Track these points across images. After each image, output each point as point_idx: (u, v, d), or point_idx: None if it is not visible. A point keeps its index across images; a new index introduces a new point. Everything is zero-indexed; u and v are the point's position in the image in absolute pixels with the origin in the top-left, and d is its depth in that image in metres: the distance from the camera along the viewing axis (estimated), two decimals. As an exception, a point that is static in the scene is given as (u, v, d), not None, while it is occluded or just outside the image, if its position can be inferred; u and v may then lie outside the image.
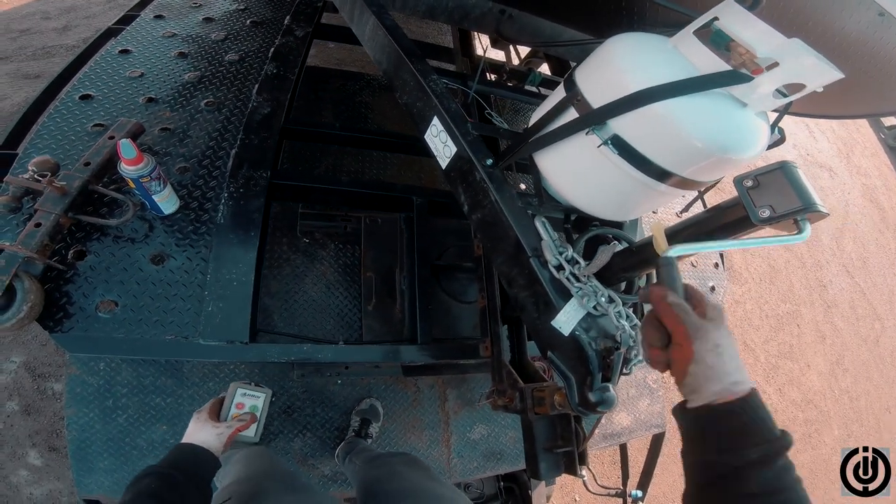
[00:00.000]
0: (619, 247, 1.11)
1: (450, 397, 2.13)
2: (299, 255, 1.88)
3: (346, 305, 1.89)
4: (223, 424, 1.11)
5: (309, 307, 1.85)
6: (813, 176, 5.76)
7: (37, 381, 2.36)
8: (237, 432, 1.13)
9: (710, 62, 0.91)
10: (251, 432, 1.17)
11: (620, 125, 0.96)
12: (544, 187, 1.24)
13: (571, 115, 1.06)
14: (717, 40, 0.91)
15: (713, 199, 1.67)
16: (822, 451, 4.22)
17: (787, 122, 1.06)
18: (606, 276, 1.06)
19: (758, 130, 0.94)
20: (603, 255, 1.03)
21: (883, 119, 7.63)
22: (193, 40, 1.89)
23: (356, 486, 1.48)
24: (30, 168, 1.30)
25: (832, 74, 0.80)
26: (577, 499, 3.11)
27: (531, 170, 1.23)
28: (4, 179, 1.32)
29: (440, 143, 1.29)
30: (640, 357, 1.01)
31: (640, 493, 2.29)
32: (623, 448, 2.51)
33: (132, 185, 1.30)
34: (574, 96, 1.04)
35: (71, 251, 1.32)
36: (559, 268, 1.05)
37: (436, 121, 1.29)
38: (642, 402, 2.49)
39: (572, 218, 1.30)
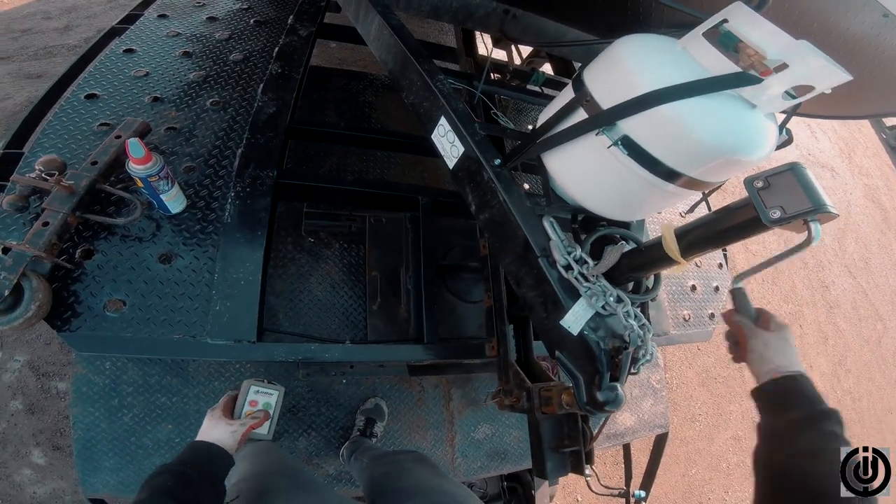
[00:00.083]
0: (627, 247, 1.11)
1: (454, 397, 2.13)
2: (304, 254, 1.88)
3: (351, 305, 1.89)
4: (237, 422, 1.11)
5: (314, 306, 1.85)
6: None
7: (41, 380, 2.36)
8: (251, 430, 1.13)
9: (720, 63, 0.91)
10: (264, 430, 1.17)
11: (630, 126, 0.96)
12: (552, 187, 1.24)
13: (580, 115, 1.06)
14: (725, 42, 0.92)
15: (716, 200, 1.68)
16: (824, 451, 4.22)
17: (789, 122, 1.07)
18: (615, 276, 1.06)
19: (766, 131, 0.94)
20: (612, 255, 1.03)
21: (884, 119, 7.62)
22: (198, 39, 1.89)
23: (363, 484, 1.48)
24: (37, 167, 1.30)
25: (841, 76, 0.80)
26: (580, 499, 3.11)
27: (539, 170, 1.23)
28: (11, 178, 1.32)
29: (447, 143, 1.29)
30: (648, 356, 1.01)
31: (643, 494, 2.29)
32: (626, 448, 2.51)
33: (140, 184, 1.30)
34: (583, 97, 1.04)
35: (79, 250, 1.33)
36: (568, 268, 1.06)
37: (443, 121, 1.29)
38: (646, 402, 2.49)
39: (579, 218, 1.30)
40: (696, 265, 2.33)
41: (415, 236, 1.83)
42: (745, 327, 1.00)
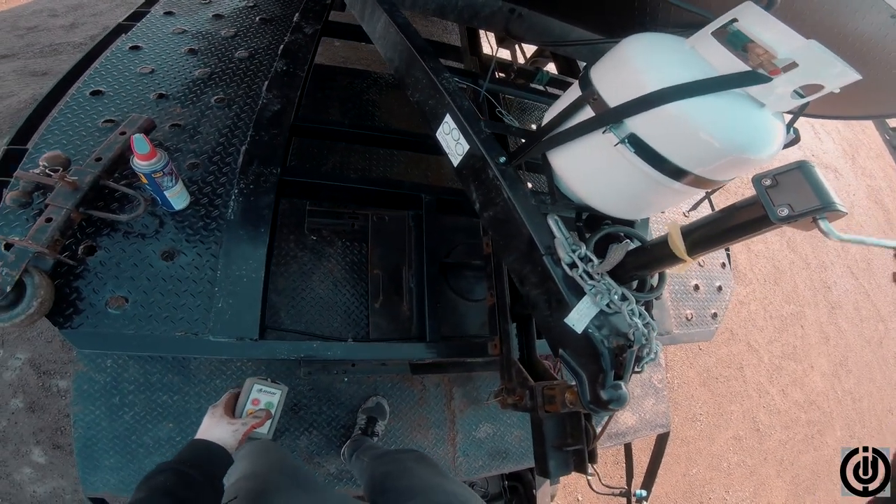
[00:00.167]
0: (632, 245, 1.11)
1: (456, 395, 2.13)
2: (307, 252, 1.88)
3: (354, 303, 1.89)
4: (238, 421, 1.11)
5: (316, 304, 1.84)
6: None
7: (42, 377, 2.36)
8: (252, 429, 1.12)
9: (728, 62, 0.91)
10: (265, 429, 1.17)
11: (637, 124, 0.96)
12: (556, 185, 1.24)
13: (587, 113, 1.06)
14: (734, 41, 0.91)
15: (718, 200, 1.67)
16: (825, 452, 4.23)
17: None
18: (619, 275, 1.06)
19: (774, 130, 0.94)
20: (617, 253, 1.03)
21: (888, 120, 7.62)
22: (203, 37, 1.89)
23: (364, 483, 1.48)
24: (41, 163, 1.30)
25: (850, 76, 0.80)
26: (580, 498, 3.11)
27: (544, 168, 1.23)
28: (15, 174, 1.32)
29: (452, 141, 1.29)
30: (652, 355, 1.01)
31: (643, 493, 2.29)
32: (628, 448, 2.51)
33: (144, 180, 1.30)
34: (590, 95, 1.04)
35: (81, 246, 1.32)
36: (572, 266, 1.06)
37: (448, 118, 1.29)
38: (647, 401, 2.49)
39: (584, 216, 1.30)
40: (700, 265, 2.33)
41: (418, 234, 1.83)
42: None
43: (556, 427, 1.34)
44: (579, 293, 1.04)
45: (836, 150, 6.61)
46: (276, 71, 1.83)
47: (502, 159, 1.18)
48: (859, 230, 5.92)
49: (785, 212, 0.77)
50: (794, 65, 0.85)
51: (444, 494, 1.16)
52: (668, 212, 2.35)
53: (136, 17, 1.92)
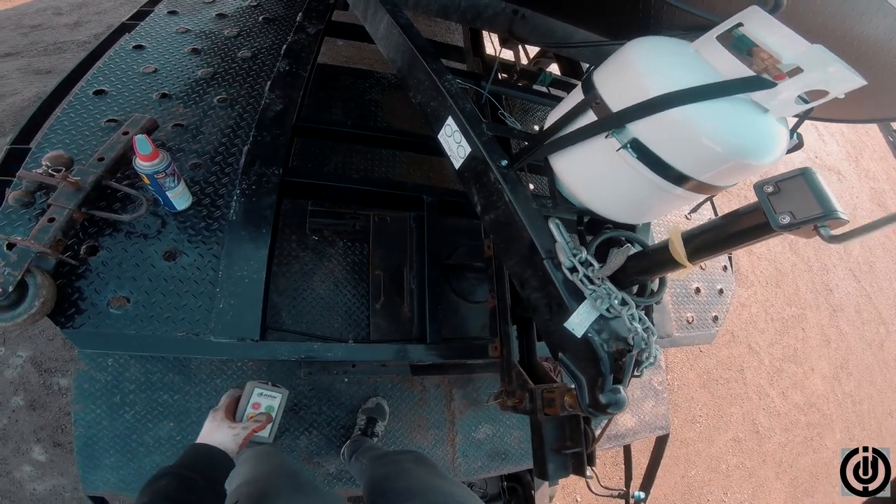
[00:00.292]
0: (633, 250, 1.11)
1: (456, 397, 2.13)
2: (308, 252, 1.88)
3: (355, 304, 1.89)
4: (239, 425, 1.11)
5: (317, 305, 1.84)
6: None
7: (43, 376, 2.36)
8: (253, 433, 1.12)
9: (733, 67, 0.91)
10: (266, 433, 1.17)
11: (640, 129, 0.96)
12: (558, 189, 1.23)
13: (590, 117, 1.06)
14: (739, 45, 0.91)
15: (720, 201, 1.67)
16: (824, 454, 4.22)
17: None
18: (620, 279, 1.06)
19: (777, 136, 0.94)
20: (617, 258, 1.02)
21: (892, 122, 7.59)
22: (207, 36, 1.89)
23: (363, 485, 1.48)
24: (44, 163, 1.30)
25: (855, 81, 0.80)
26: (579, 500, 3.12)
27: (546, 171, 1.22)
28: (17, 174, 1.32)
29: (454, 143, 1.29)
30: (651, 360, 1.01)
31: (642, 495, 2.29)
32: (627, 449, 2.51)
33: (146, 180, 1.30)
34: (593, 99, 1.04)
35: (83, 246, 1.32)
36: (573, 270, 1.05)
37: (450, 121, 1.28)
38: (647, 403, 2.49)
39: (585, 220, 1.30)
40: (701, 268, 2.33)
41: (419, 236, 1.83)
42: None
43: (555, 430, 1.34)
44: (579, 297, 1.03)
45: (839, 153, 6.59)
46: (279, 71, 1.82)
47: (504, 162, 1.18)
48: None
49: (787, 219, 0.76)
50: (798, 70, 0.85)
51: (442, 495, 1.16)
52: (671, 215, 2.35)
53: (140, 16, 1.92)
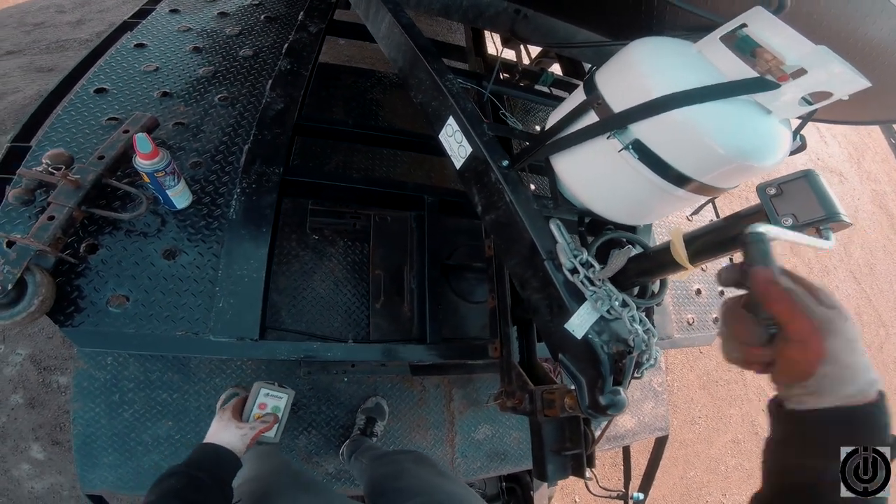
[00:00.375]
0: (634, 251, 1.10)
1: (455, 397, 2.13)
2: (308, 251, 1.88)
3: (354, 303, 1.89)
4: (246, 426, 1.11)
5: (317, 304, 1.84)
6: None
7: (42, 373, 2.36)
8: (260, 434, 1.12)
9: (736, 68, 0.90)
10: (272, 433, 1.17)
11: (641, 130, 0.95)
12: (559, 189, 1.23)
13: (591, 118, 1.05)
14: (743, 46, 0.91)
15: (723, 202, 1.67)
16: (824, 456, 4.22)
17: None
18: (620, 281, 1.05)
19: (780, 137, 0.94)
20: (618, 259, 1.02)
21: (894, 124, 7.57)
22: (208, 35, 1.88)
23: (363, 484, 1.48)
24: (44, 161, 1.30)
25: (860, 83, 0.79)
26: (578, 500, 3.11)
27: (547, 172, 1.22)
28: (17, 172, 1.31)
29: (455, 143, 1.28)
30: (652, 361, 1.01)
31: (641, 496, 2.29)
32: (626, 450, 2.51)
33: (147, 179, 1.29)
34: (595, 99, 1.03)
35: (83, 245, 1.32)
36: (573, 271, 1.05)
37: (451, 120, 1.28)
38: (647, 404, 2.48)
39: (586, 221, 1.29)
40: (702, 269, 2.33)
41: (420, 235, 1.82)
42: (814, 312, 0.56)
43: (554, 431, 1.34)
44: (580, 299, 1.03)
45: (841, 154, 6.58)
46: (281, 70, 1.82)
47: (505, 163, 1.17)
48: (863, 235, 5.91)
49: (789, 221, 0.76)
50: (802, 71, 0.84)
51: (443, 494, 1.16)
52: (671, 216, 2.34)
53: (142, 14, 1.92)
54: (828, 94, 0.84)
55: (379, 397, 2.01)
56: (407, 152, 2.20)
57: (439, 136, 1.34)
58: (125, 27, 1.88)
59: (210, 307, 1.36)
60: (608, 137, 1.00)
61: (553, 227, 1.11)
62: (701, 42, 0.98)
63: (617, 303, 1.01)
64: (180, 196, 1.40)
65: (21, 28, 3.62)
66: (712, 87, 0.88)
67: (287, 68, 1.83)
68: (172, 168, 1.31)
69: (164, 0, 1.98)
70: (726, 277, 0.65)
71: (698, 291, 2.25)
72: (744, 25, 0.91)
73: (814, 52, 0.83)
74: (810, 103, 0.88)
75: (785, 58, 0.86)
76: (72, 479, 2.18)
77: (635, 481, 2.44)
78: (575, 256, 1.05)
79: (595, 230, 1.26)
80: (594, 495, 2.15)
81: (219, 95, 1.69)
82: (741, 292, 0.65)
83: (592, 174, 1.13)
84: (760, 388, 4.20)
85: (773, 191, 0.78)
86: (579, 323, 1.02)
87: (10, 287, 1.13)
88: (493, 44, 2.46)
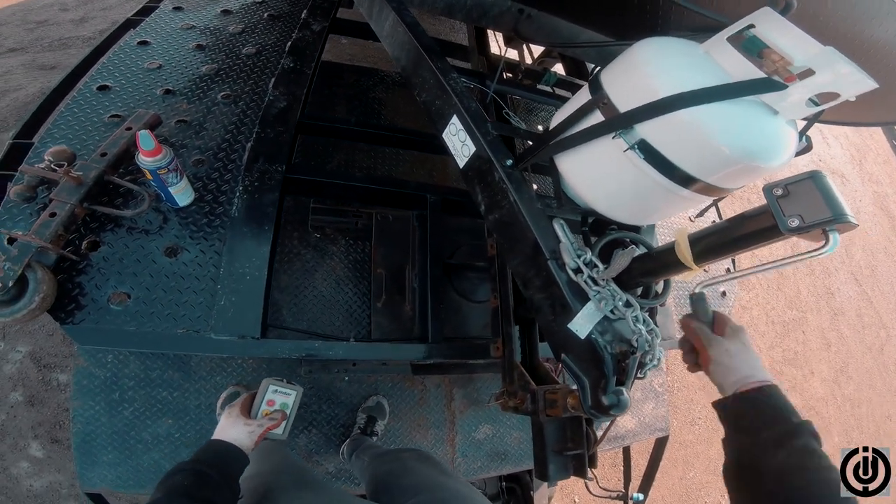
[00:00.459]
0: (638, 251, 1.10)
1: (456, 396, 2.12)
2: (310, 250, 1.88)
3: (356, 302, 1.89)
4: (255, 422, 1.10)
5: (318, 303, 1.84)
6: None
7: (42, 371, 2.35)
8: (268, 431, 1.12)
9: (743, 68, 0.90)
10: (280, 430, 1.16)
11: (647, 130, 0.95)
12: (563, 189, 1.23)
13: (596, 118, 1.05)
14: (750, 46, 0.90)
15: (724, 203, 1.67)
16: (821, 457, 4.22)
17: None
18: (624, 281, 1.05)
19: (786, 138, 0.93)
20: (622, 259, 1.02)
21: (896, 126, 7.58)
22: (211, 32, 1.88)
23: (365, 482, 1.48)
24: (46, 157, 1.29)
25: (867, 84, 0.79)
26: (577, 500, 3.11)
27: (551, 172, 1.22)
28: (20, 168, 1.31)
29: (458, 142, 1.28)
30: (655, 361, 1.00)
31: (641, 497, 2.29)
32: (626, 451, 2.51)
33: (149, 176, 1.29)
34: (600, 99, 1.03)
35: (84, 242, 1.32)
36: (577, 271, 1.05)
37: (455, 119, 1.28)
38: (647, 405, 2.48)
39: (590, 221, 1.29)
40: (704, 270, 2.32)
41: (422, 234, 1.82)
42: (703, 335, 0.94)
43: (556, 431, 1.34)
44: (583, 298, 1.03)
45: (843, 156, 6.57)
46: (284, 68, 1.81)
47: (509, 162, 1.17)
48: (864, 237, 5.91)
49: (795, 222, 0.76)
50: (810, 72, 0.84)
51: (446, 491, 1.15)
52: (673, 217, 2.34)
53: (146, 11, 1.92)
54: (835, 95, 0.84)
55: (380, 396, 2.00)
56: (409, 151, 2.20)
57: (443, 135, 1.34)
58: (128, 24, 1.87)
59: (211, 305, 1.36)
60: (613, 137, 1.00)
61: (557, 226, 1.10)
62: (708, 42, 0.97)
63: (620, 303, 1.01)
64: (182, 193, 1.40)
65: (24, 26, 3.61)
66: (719, 87, 0.88)
67: (290, 66, 1.82)
68: (175, 165, 1.30)
69: (167, -4, 1.98)
70: (681, 322, 1.02)
71: (700, 292, 2.24)
72: (751, 26, 0.91)
73: (822, 52, 0.83)
74: (817, 104, 0.88)
75: (793, 58, 0.86)
76: (70, 477, 2.17)
77: (635, 482, 2.44)
78: (579, 256, 1.05)
79: (598, 230, 1.26)
80: (594, 495, 2.14)
81: (221, 93, 1.69)
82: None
83: (597, 174, 1.13)
84: (760, 389, 4.20)
85: (779, 192, 0.78)
86: (583, 323, 1.02)
87: (11, 284, 1.13)
88: (497, 43, 2.45)
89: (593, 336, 1.00)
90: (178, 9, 1.92)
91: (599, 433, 1.39)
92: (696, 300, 0.99)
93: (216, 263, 1.40)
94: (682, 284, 2.21)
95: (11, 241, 1.19)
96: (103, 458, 1.68)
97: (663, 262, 1.01)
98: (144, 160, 1.25)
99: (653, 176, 0.99)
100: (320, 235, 1.90)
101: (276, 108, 1.69)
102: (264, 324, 1.40)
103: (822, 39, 0.84)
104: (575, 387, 1.08)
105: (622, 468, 2.55)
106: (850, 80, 0.80)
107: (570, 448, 1.33)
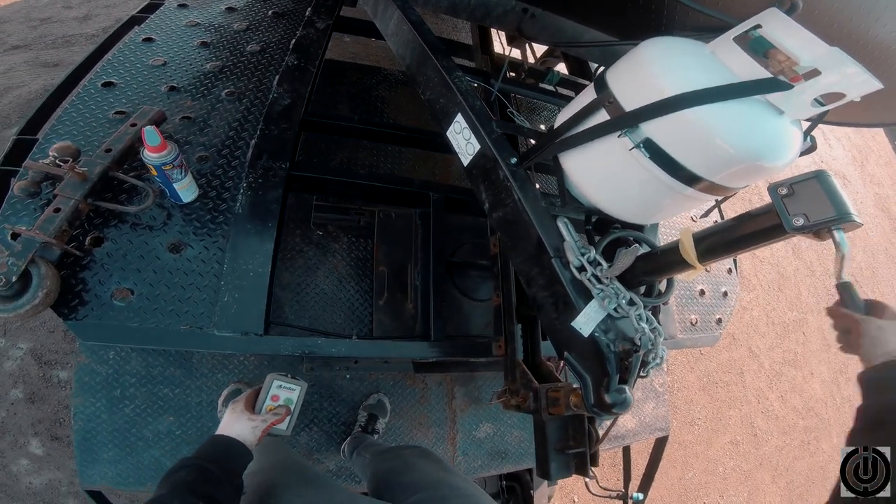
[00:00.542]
0: (642, 250, 1.10)
1: (457, 395, 2.12)
2: (312, 247, 1.88)
3: (358, 299, 1.89)
4: (258, 418, 1.10)
5: (320, 300, 1.84)
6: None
7: (43, 368, 2.34)
8: (272, 426, 1.12)
9: (749, 68, 0.91)
10: (284, 425, 1.16)
11: (653, 129, 0.96)
12: (567, 188, 1.23)
13: (602, 116, 1.05)
14: (756, 47, 0.91)
15: (728, 203, 1.67)
16: (820, 458, 4.23)
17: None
18: (627, 279, 1.06)
19: (791, 138, 0.94)
20: (626, 258, 1.02)
21: (899, 128, 7.57)
22: (216, 30, 1.88)
23: (367, 479, 1.48)
24: (51, 153, 1.29)
25: (873, 84, 0.80)
26: (576, 500, 3.11)
27: (555, 170, 1.22)
28: (24, 164, 1.31)
29: (463, 141, 1.28)
30: (658, 360, 1.01)
31: (640, 496, 2.29)
32: (626, 450, 2.51)
33: (154, 172, 1.29)
34: (606, 98, 1.03)
35: (88, 237, 1.32)
36: (581, 269, 1.05)
37: (459, 118, 1.28)
38: (648, 405, 2.48)
39: (593, 219, 1.29)
40: (706, 270, 2.32)
41: (425, 232, 1.82)
42: (857, 317, 0.92)
43: (559, 430, 1.34)
44: (587, 297, 1.03)
45: (845, 157, 6.57)
46: (288, 65, 1.81)
47: (513, 160, 1.17)
48: (865, 238, 5.91)
49: (800, 221, 0.76)
50: (816, 72, 0.84)
51: (448, 488, 1.15)
52: (677, 216, 2.34)
53: (150, 8, 1.92)
54: (840, 96, 0.84)
55: (381, 394, 2.01)
56: (411, 149, 2.20)
57: (447, 133, 1.34)
58: (133, 21, 1.88)
59: (215, 301, 1.36)
60: (619, 136, 1.00)
61: (561, 224, 1.11)
62: (714, 42, 0.98)
63: (624, 301, 1.01)
64: (187, 190, 1.40)
65: (27, 23, 3.61)
66: (725, 86, 0.88)
67: (294, 64, 1.83)
68: (180, 161, 1.31)
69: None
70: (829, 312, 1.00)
71: (702, 292, 2.25)
72: (758, 26, 0.91)
73: (828, 53, 0.83)
74: (822, 104, 0.88)
75: (799, 59, 0.86)
76: (70, 474, 2.17)
77: (634, 481, 2.44)
78: (583, 254, 1.05)
79: (601, 229, 1.26)
80: (593, 495, 2.15)
81: (226, 90, 1.69)
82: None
83: (602, 172, 1.13)
84: (760, 390, 4.21)
85: (784, 191, 0.78)
86: (586, 321, 1.02)
87: (14, 279, 1.13)
88: (500, 42, 2.46)
89: (596, 334, 1.01)
90: (182, 6, 1.93)
91: (601, 432, 1.40)
92: (844, 289, 0.95)
93: (219, 260, 1.40)
94: (683, 284, 2.22)
95: (15, 236, 1.19)
96: (104, 455, 1.67)
97: (667, 260, 1.01)
98: (150, 156, 1.25)
99: (658, 175, 0.99)
100: (323, 233, 1.90)
101: (280, 105, 1.69)
102: (267, 321, 1.40)
103: (826, 40, 0.84)
104: (577, 385, 1.08)
105: (622, 468, 2.55)
106: (856, 81, 0.81)
107: (572, 446, 1.33)
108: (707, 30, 1.05)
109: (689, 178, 0.98)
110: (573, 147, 1.12)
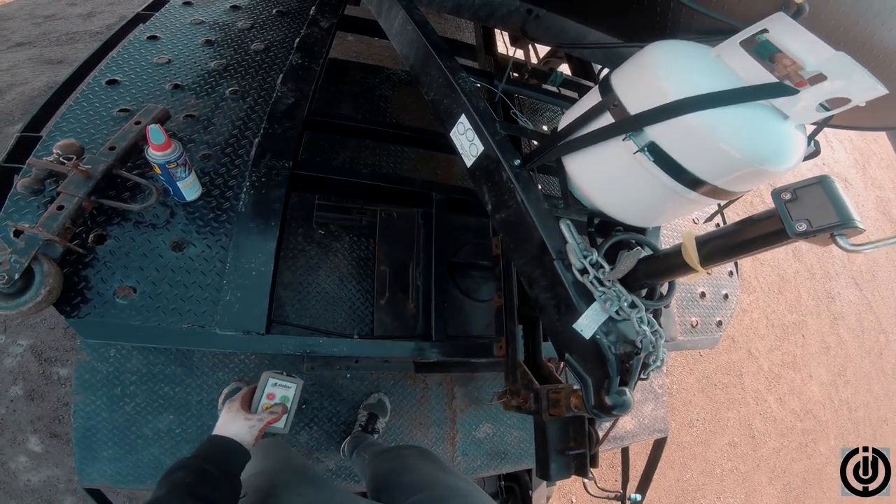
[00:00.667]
0: (644, 253, 1.10)
1: (457, 395, 2.13)
2: (314, 246, 1.88)
3: (359, 299, 1.89)
4: (255, 417, 1.10)
5: (321, 299, 1.84)
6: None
7: (43, 365, 2.34)
8: (269, 425, 1.12)
9: (755, 73, 0.91)
10: (281, 423, 1.15)
11: (657, 132, 0.96)
12: (570, 190, 1.23)
13: (606, 119, 1.05)
14: (762, 51, 0.91)
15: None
16: (817, 460, 4.24)
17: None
18: (629, 282, 1.06)
19: (796, 143, 0.94)
20: (628, 261, 1.02)
21: (901, 131, 7.53)
22: (220, 28, 1.88)
23: (366, 479, 1.48)
24: (54, 151, 1.29)
25: (878, 90, 0.80)
26: (574, 501, 3.12)
27: (558, 172, 1.22)
28: (27, 161, 1.31)
29: (466, 142, 1.29)
30: (659, 363, 1.01)
31: (639, 497, 2.30)
32: (624, 451, 2.52)
33: (158, 170, 1.29)
34: (610, 101, 1.04)
35: (91, 235, 1.31)
36: (583, 271, 1.05)
37: (463, 118, 1.28)
38: (647, 406, 2.49)
39: (596, 222, 1.29)
40: (708, 273, 2.32)
41: (427, 232, 1.82)
42: None
43: (559, 431, 1.34)
44: (589, 299, 1.04)
45: (847, 160, 6.57)
46: (292, 64, 1.81)
47: (517, 162, 1.18)
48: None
49: (803, 227, 0.76)
50: (822, 77, 0.84)
51: (447, 489, 1.15)
52: (679, 220, 2.34)
53: (155, 6, 1.92)
54: (845, 101, 0.84)
55: (381, 394, 2.01)
56: (414, 149, 2.20)
57: (450, 133, 1.34)
58: (138, 19, 1.87)
59: (217, 300, 1.36)
60: (623, 139, 1.00)
61: (563, 227, 1.11)
62: (720, 46, 0.98)
63: (626, 304, 1.01)
64: (190, 188, 1.40)
65: (31, 20, 3.60)
66: (731, 91, 0.88)
67: (298, 63, 1.82)
68: (184, 160, 1.31)
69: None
70: None
71: (703, 294, 2.25)
72: (765, 30, 0.91)
73: (834, 57, 0.83)
74: (827, 109, 0.88)
75: (805, 63, 0.86)
76: (68, 472, 2.17)
77: (633, 482, 2.45)
78: (585, 257, 1.06)
79: (604, 231, 1.27)
80: (592, 496, 2.15)
81: (230, 88, 1.69)
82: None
83: (605, 175, 1.13)
84: (758, 392, 4.22)
85: (787, 196, 0.78)
86: (587, 323, 1.02)
87: (17, 276, 1.13)
88: (503, 43, 2.45)
89: (598, 336, 1.01)
90: (187, 4, 1.92)
91: (601, 433, 1.40)
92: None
93: (222, 258, 1.40)
94: (684, 286, 2.22)
95: (18, 233, 1.19)
96: (103, 453, 1.67)
97: (669, 264, 1.02)
98: (154, 154, 1.25)
99: (661, 178, 0.99)
100: (325, 232, 1.90)
101: (283, 104, 1.69)
102: (269, 320, 1.40)
103: (833, 44, 0.84)
104: (578, 386, 1.08)
105: (620, 469, 2.55)
106: (862, 86, 0.81)
107: (572, 447, 1.34)
108: (713, 33, 1.05)
109: (692, 182, 0.98)
110: (577, 149, 1.12)
